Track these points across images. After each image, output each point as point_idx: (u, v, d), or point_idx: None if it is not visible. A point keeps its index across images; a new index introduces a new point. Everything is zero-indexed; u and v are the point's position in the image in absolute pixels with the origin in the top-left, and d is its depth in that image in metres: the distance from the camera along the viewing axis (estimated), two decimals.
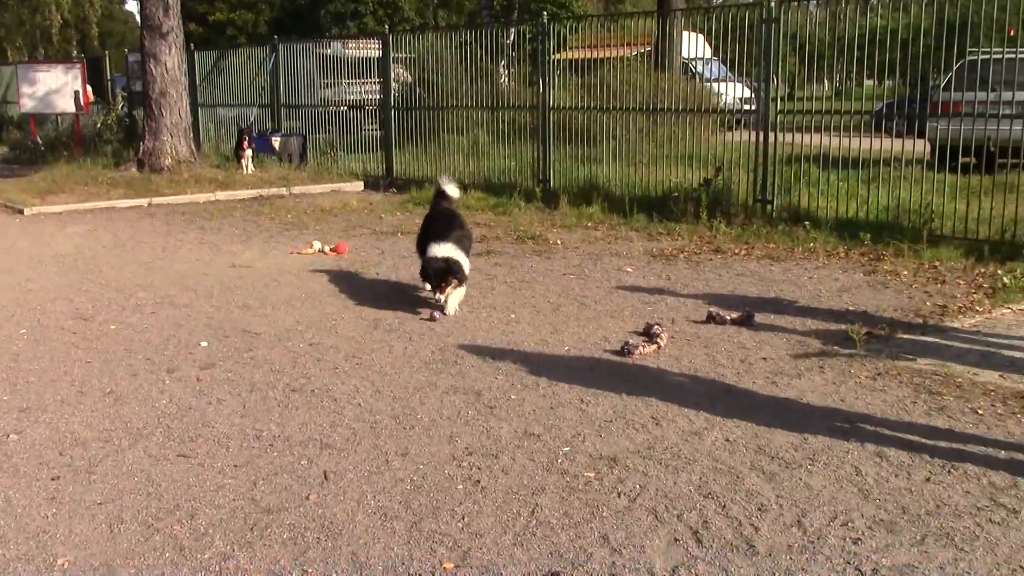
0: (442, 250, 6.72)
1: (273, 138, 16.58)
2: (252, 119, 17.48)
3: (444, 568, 3.24)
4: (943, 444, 4.26)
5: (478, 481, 3.94)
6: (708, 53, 13.30)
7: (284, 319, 6.71)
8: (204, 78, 19.12)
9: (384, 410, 4.83)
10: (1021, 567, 3.18)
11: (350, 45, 17.41)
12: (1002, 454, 4.15)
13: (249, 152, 15.53)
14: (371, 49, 15.94)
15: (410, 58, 15.65)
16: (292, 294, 7.49)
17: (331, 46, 17.32)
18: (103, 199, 12.98)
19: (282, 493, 3.86)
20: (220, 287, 7.76)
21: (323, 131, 16.76)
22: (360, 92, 16.20)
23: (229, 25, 43.10)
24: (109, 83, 23.02)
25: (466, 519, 3.60)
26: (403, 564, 3.27)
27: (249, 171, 15.33)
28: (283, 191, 13.85)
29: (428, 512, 3.66)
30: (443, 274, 6.65)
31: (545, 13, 13.27)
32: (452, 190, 7.84)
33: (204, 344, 6.09)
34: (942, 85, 9.86)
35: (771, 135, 10.24)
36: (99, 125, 19.81)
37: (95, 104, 20.79)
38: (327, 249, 9.25)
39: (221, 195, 13.47)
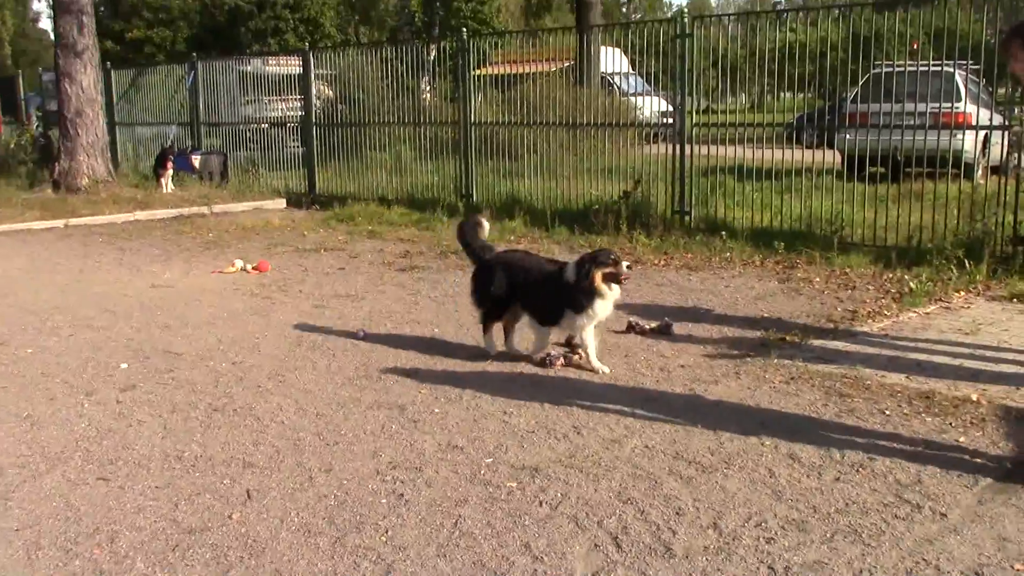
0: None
1: (193, 156, 16.40)
2: (172, 137, 17.27)
3: None
4: (853, 444, 4.42)
5: (402, 495, 3.98)
6: (627, 68, 13.55)
7: (206, 339, 6.66)
8: (121, 97, 18.83)
9: (307, 427, 4.84)
10: (925, 560, 3.33)
11: (271, 62, 17.33)
12: (908, 452, 4.32)
13: (169, 171, 15.34)
14: (292, 66, 15.89)
15: (332, 75, 15.64)
16: (214, 313, 7.43)
17: (251, 63, 17.21)
18: (17, 221, 12.69)
19: (204, 513, 3.85)
20: (140, 308, 7.66)
21: (244, 149, 16.63)
22: (282, 109, 16.12)
23: (147, 43, 42.42)
24: (23, 103, 22.50)
25: (390, 532, 3.64)
26: None
27: (169, 190, 15.12)
28: (204, 210, 13.69)
29: (352, 527, 3.69)
30: None
31: (465, 29, 13.35)
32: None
33: (124, 366, 6.02)
34: (850, 98, 10.20)
35: (687, 148, 10.47)
36: (12, 145, 19.35)
37: (8, 124, 20.30)
38: (249, 268, 9.19)
39: (140, 215, 13.27)
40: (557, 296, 5.70)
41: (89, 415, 5.09)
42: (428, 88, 15.12)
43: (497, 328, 6.12)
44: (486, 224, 6.41)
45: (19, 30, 40.03)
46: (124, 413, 5.11)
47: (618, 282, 5.63)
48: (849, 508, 3.76)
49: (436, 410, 5.05)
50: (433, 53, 15.20)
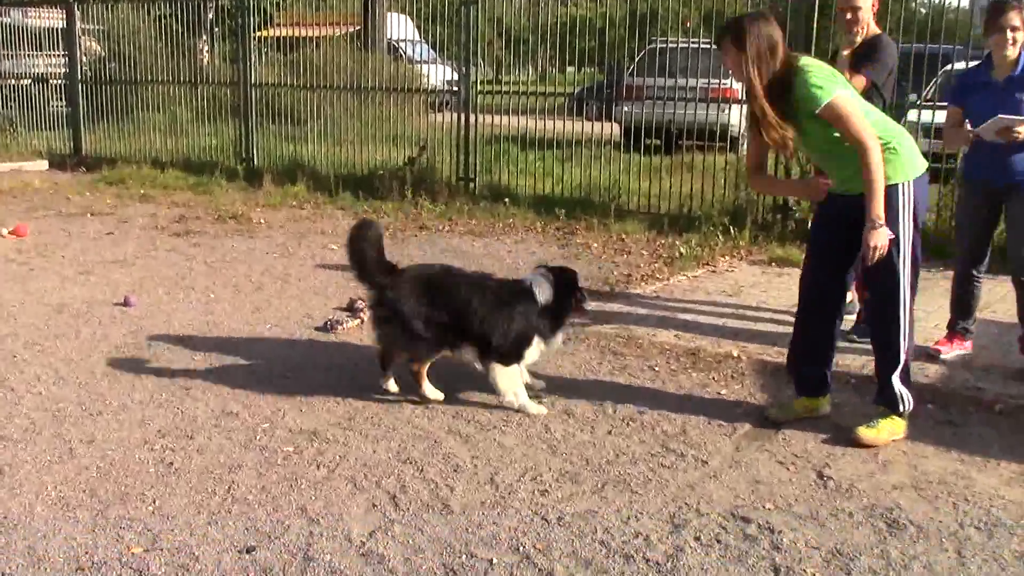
0: None
1: None
2: None
3: (131, 553, 3.11)
4: (624, 400, 4.59)
5: (171, 463, 3.81)
6: (415, 35, 13.46)
7: None
8: None
9: (69, 397, 4.55)
10: (687, 504, 3.50)
11: (31, 13, 16.06)
12: (675, 405, 4.53)
13: None
14: (56, 19, 14.79)
15: (101, 30, 14.68)
16: None
17: (9, 14, 15.90)
18: None
19: None
20: None
21: (1, 106, 15.37)
22: (43, 65, 14.99)
23: None
24: None
25: (157, 502, 3.47)
26: (87, 554, 3.11)
27: None
28: None
29: (115, 499, 3.50)
30: None
31: None
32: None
33: None
34: (627, 71, 10.55)
35: (472, 116, 10.53)
36: None
37: None
38: (5, 232, 8.51)
39: None
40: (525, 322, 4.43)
41: None
42: (206, 48, 14.47)
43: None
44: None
45: None
46: None
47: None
48: (619, 459, 3.90)
49: (211, 377, 4.86)
50: (212, 12, 14.55)
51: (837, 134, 3.81)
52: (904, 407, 4.06)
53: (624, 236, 8.66)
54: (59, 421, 4.25)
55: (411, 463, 3.84)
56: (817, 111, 3.76)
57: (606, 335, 5.66)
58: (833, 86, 3.78)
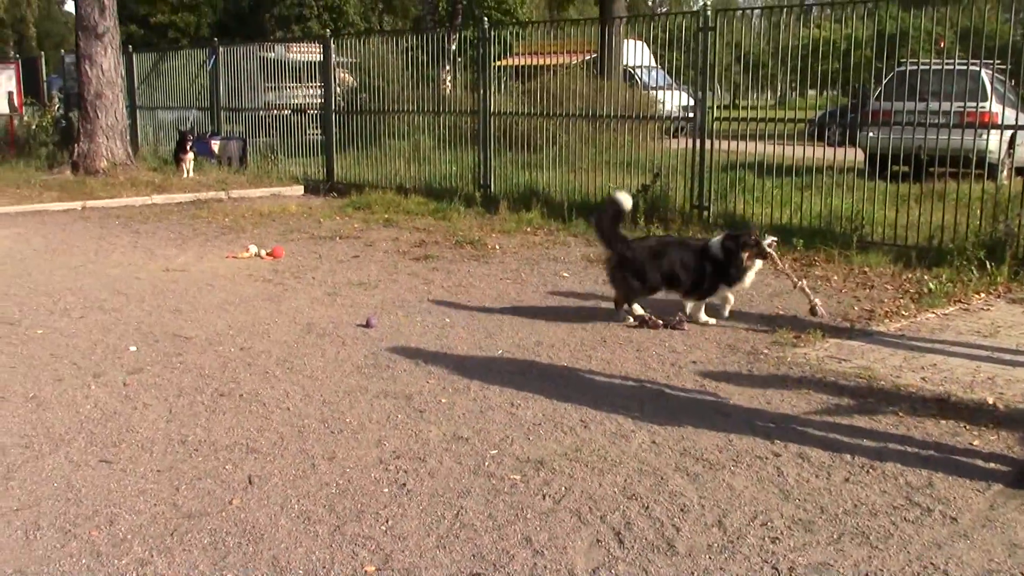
0: None
1: (212, 141, 16.42)
2: (191, 122, 17.30)
3: (366, 571, 3.23)
4: (864, 445, 4.34)
5: (404, 484, 3.94)
6: (651, 61, 13.45)
7: (216, 323, 6.64)
8: (143, 80, 18.86)
9: (313, 414, 4.81)
10: (933, 564, 3.25)
11: (293, 48, 17.29)
12: (920, 454, 4.24)
13: (190, 155, 15.36)
14: (314, 53, 15.85)
15: (353, 63, 15.60)
16: (225, 298, 7.41)
17: (273, 49, 17.19)
18: (35, 202, 12.74)
19: (204, 498, 3.82)
20: (152, 291, 7.65)
21: (264, 135, 16.62)
22: (302, 96, 16.08)
23: (171, 27, 42.57)
24: (45, 84, 22.58)
25: (390, 522, 3.59)
26: (324, 568, 3.26)
27: (189, 175, 15.14)
28: (221, 195, 13.71)
29: (352, 516, 3.65)
30: None
31: (486, 19, 13.28)
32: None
33: (133, 349, 6.00)
34: (874, 95, 10.08)
35: (708, 142, 10.37)
36: (34, 127, 19.43)
37: (30, 105, 20.39)
38: (263, 253, 9.17)
39: (158, 198, 13.29)
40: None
41: (95, 397, 5.08)
42: (449, 78, 15.06)
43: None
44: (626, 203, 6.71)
45: (44, 12, 40.22)
46: (130, 396, 5.09)
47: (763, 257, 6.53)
48: (857, 509, 3.69)
49: (443, 400, 5.00)
50: (455, 43, 15.14)
51: None
52: None
53: (867, 269, 8.24)
54: (304, 437, 4.50)
55: (636, 499, 3.79)
56: None
57: (845, 374, 5.40)
58: None
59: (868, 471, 4.06)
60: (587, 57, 13.67)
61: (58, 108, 20.58)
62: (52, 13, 43.54)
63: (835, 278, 8.00)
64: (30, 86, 20.98)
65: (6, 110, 18.66)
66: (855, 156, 10.37)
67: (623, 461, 4.18)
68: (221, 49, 17.07)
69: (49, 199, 12.90)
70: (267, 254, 9.16)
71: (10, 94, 18.52)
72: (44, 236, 10.45)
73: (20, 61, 20.78)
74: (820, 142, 10.61)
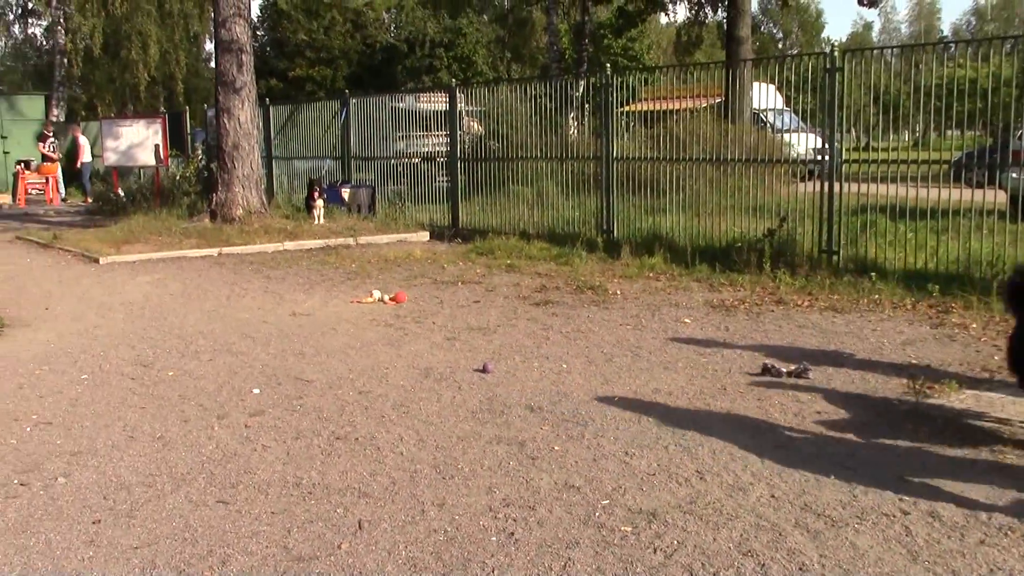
0: None
1: (343, 189, 16.87)
2: (324, 171, 17.85)
3: None
4: (1001, 505, 4.07)
5: (512, 533, 3.88)
6: (780, 103, 13.21)
7: (337, 367, 6.75)
8: (279, 131, 19.59)
9: (425, 459, 4.80)
10: None
11: (422, 98, 17.70)
12: None
13: (320, 203, 15.83)
14: (442, 102, 16.18)
15: (481, 110, 15.85)
16: (347, 343, 7.54)
17: (403, 100, 17.63)
18: (175, 249, 13.31)
19: (315, 541, 3.84)
20: (278, 335, 7.85)
21: (392, 182, 17.01)
22: (431, 144, 16.41)
23: (308, 80, 44.31)
24: (189, 137, 23.71)
25: (496, 572, 3.54)
26: None
27: (320, 222, 15.59)
28: (350, 241, 14.05)
29: (458, 564, 3.61)
30: None
31: (608, 65, 13.30)
32: None
33: (256, 391, 6.15)
34: (1020, 135, 9.62)
35: (837, 185, 10.08)
36: (178, 177, 20.38)
37: (175, 157, 21.42)
38: (386, 298, 9.32)
39: (289, 245, 13.72)
40: None
41: (217, 438, 5.21)
42: (574, 123, 15.12)
43: None
44: None
45: (192, 69, 42.43)
46: (251, 437, 5.20)
47: None
48: (994, 574, 3.44)
49: (556, 448, 4.94)
50: (580, 89, 15.21)
51: None
52: None
53: (1008, 317, 7.80)
54: (415, 482, 4.49)
55: (752, 556, 3.63)
56: None
57: (981, 428, 5.09)
58: None
59: (1006, 533, 3.79)
60: (714, 101, 13.53)
61: (201, 159, 21.53)
62: (199, 70, 45.81)
63: (974, 326, 7.60)
64: (175, 139, 22.04)
65: (153, 162, 19.63)
66: (995, 198, 9.90)
67: (740, 515, 4.02)
68: (352, 100, 17.60)
69: (188, 246, 13.47)
70: (390, 299, 9.30)
71: (157, 147, 19.47)
72: (181, 281, 10.89)
73: (166, 115, 21.88)
74: (958, 183, 10.17)
